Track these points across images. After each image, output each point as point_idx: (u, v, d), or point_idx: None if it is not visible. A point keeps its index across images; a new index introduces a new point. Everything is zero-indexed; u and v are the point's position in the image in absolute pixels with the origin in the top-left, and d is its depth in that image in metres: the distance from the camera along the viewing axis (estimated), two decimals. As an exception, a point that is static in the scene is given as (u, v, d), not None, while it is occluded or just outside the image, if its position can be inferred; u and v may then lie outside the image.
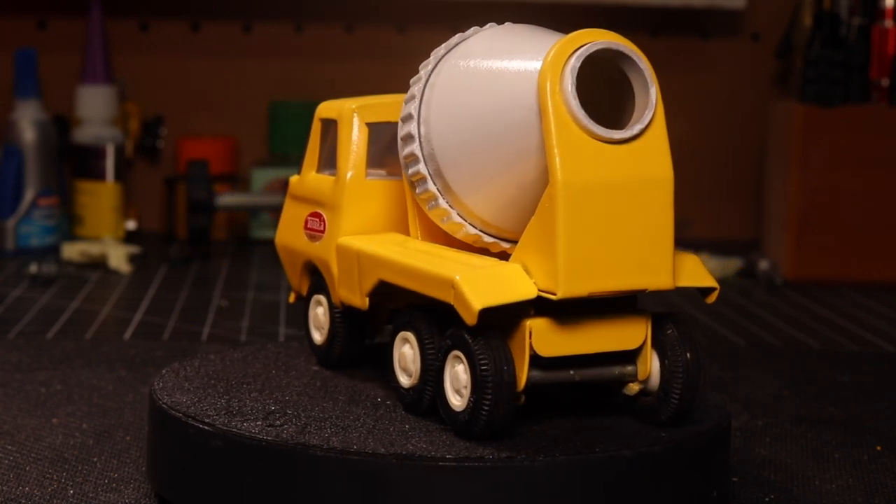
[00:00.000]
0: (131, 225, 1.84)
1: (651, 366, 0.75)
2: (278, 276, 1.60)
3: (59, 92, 1.85)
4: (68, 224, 1.79)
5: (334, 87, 1.92)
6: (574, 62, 0.71)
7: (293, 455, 0.72)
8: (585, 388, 0.78)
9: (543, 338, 0.72)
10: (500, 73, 0.73)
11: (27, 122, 1.72)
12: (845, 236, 1.67)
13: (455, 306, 0.71)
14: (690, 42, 1.97)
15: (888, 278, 1.66)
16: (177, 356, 1.15)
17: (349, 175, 0.83)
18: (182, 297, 1.45)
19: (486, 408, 0.71)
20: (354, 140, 0.84)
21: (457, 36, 0.78)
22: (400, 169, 0.80)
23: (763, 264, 1.64)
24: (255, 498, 0.73)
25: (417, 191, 0.77)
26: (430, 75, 0.77)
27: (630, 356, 0.75)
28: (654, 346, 0.75)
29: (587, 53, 0.71)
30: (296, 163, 1.85)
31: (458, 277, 0.71)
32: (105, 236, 1.76)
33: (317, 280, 0.87)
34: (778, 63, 1.95)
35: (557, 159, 0.70)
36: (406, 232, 0.82)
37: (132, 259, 1.63)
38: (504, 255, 0.75)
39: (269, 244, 1.82)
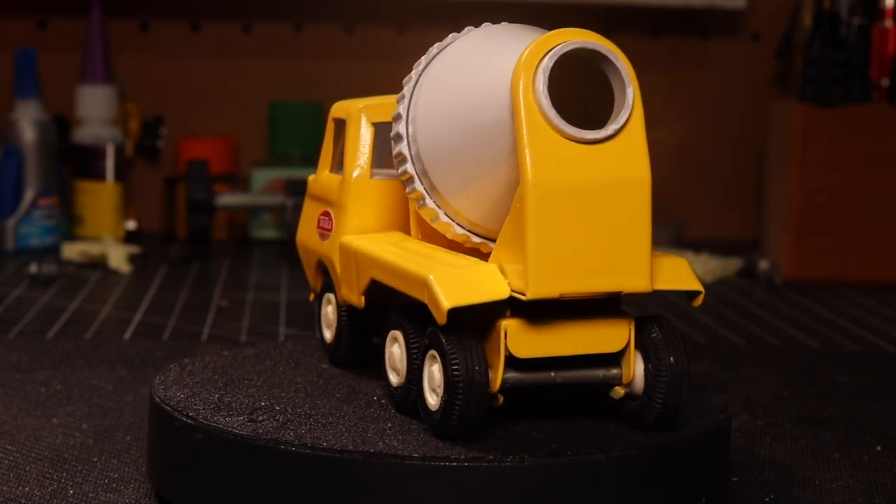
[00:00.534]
0: (131, 225, 1.84)
1: (635, 369, 0.74)
2: (278, 276, 1.60)
3: (59, 92, 1.85)
4: (68, 224, 1.79)
5: (334, 87, 1.92)
6: (547, 62, 0.70)
7: (264, 451, 0.72)
8: (583, 391, 0.78)
9: (519, 339, 0.72)
10: (480, 73, 0.73)
11: (27, 122, 1.72)
12: (845, 236, 1.67)
13: (428, 305, 0.71)
14: (690, 42, 1.97)
15: (888, 278, 1.66)
16: (177, 356, 1.15)
17: (354, 174, 0.84)
18: (182, 297, 1.45)
19: (457, 408, 0.71)
20: (361, 140, 0.84)
21: (450, 36, 0.78)
22: None
23: (763, 264, 1.64)
24: (247, 495, 0.73)
25: (407, 190, 0.77)
26: (419, 76, 0.77)
27: (615, 359, 0.75)
28: (638, 349, 0.74)
29: (560, 53, 0.70)
30: (296, 163, 1.86)
31: (431, 277, 0.71)
32: (105, 236, 1.76)
33: (328, 278, 0.88)
34: (778, 63, 1.95)
35: (527, 159, 0.70)
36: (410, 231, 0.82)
37: (132, 259, 1.63)
38: None
39: (269, 244, 1.82)
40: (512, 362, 0.73)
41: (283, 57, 1.93)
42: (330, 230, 0.86)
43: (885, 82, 1.68)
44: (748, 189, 1.97)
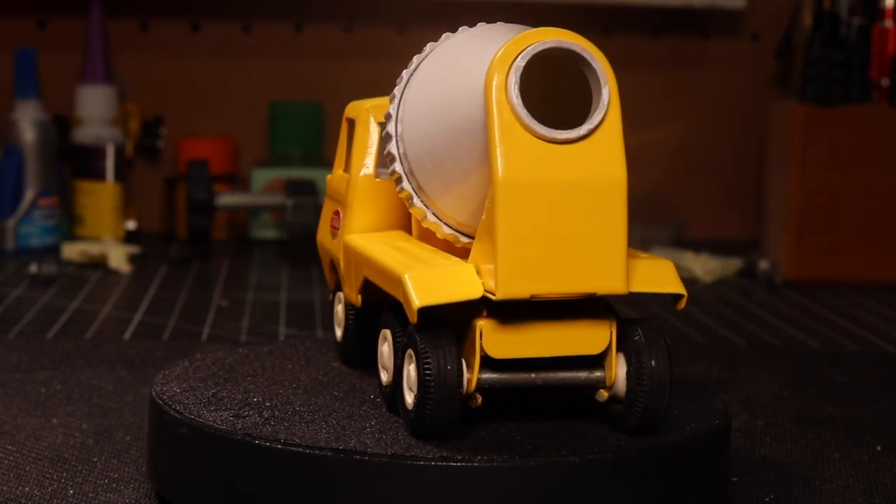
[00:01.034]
0: (131, 225, 1.84)
1: (617, 372, 0.74)
2: (278, 276, 1.60)
3: (59, 92, 1.85)
4: (68, 224, 1.79)
5: (334, 87, 1.92)
6: (519, 61, 0.70)
7: (240, 445, 0.73)
8: (579, 393, 0.78)
9: (494, 339, 0.72)
10: (461, 74, 0.72)
11: (27, 122, 1.72)
12: (845, 236, 1.67)
13: (403, 304, 0.71)
14: (690, 42, 1.97)
15: (888, 278, 1.66)
16: (177, 356, 1.15)
17: (359, 174, 0.84)
18: (182, 297, 1.45)
19: (429, 407, 0.71)
20: (368, 140, 0.85)
21: (444, 35, 0.78)
22: None
23: (763, 264, 1.64)
24: (232, 491, 0.74)
25: (397, 189, 0.77)
26: (410, 75, 0.77)
27: (599, 361, 0.74)
28: (622, 352, 0.74)
29: (533, 52, 0.70)
30: (296, 163, 1.86)
31: (405, 276, 0.71)
32: (105, 236, 1.75)
33: (339, 277, 0.88)
34: (778, 63, 1.95)
35: (497, 157, 0.69)
36: None
37: (132, 259, 1.63)
38: None
39: (269, 244, 1.82)
40: (490, 363, 0.73)
41: (283, 57, 1.93)
42: (338, 229, 0.86)
43: (885, 82, 1.68)
44: (748, 189, 1.97)
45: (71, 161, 1.81)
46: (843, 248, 1.67)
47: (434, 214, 0.76)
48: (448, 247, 0.77)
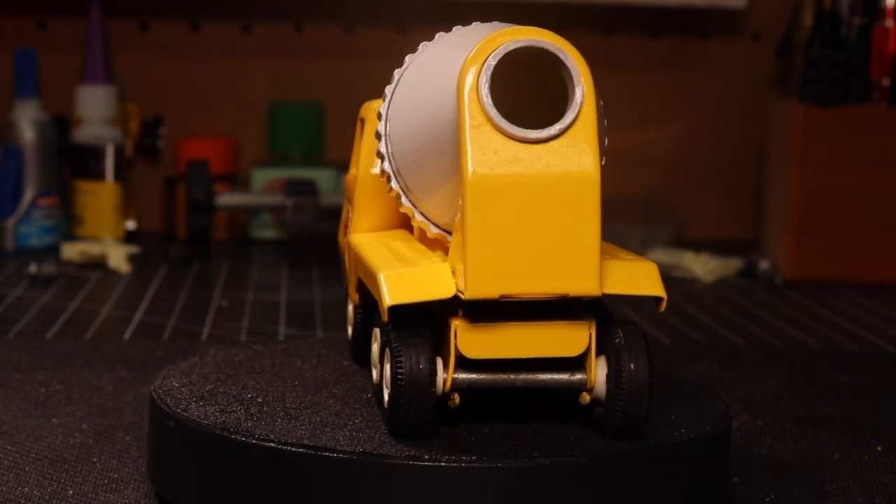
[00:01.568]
0: (131, 225, 1.84)
1: (598, 375, 0.73)
2: (278, 276, 1.60)
3: (59, 92, 1.85)
4: (68, 224, 1.78)
5: (334, 87, 1.92)
6: (491, 60, 0.69)
7: (217, 440, 0.74)
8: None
9: (468, 339, 0.71)
10: (441, 73, 0.72)
11: (27, 122, 1.72)
12: (845, 236, 1.67)
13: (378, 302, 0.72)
14: (690, 42, 1.97)
15: (888, 278, 1.66)
16: (177, 356, 1.15)
17: (366, 173, 0.85)
18: (182, 297, 1.45)
19: (401, 405, 0.71)
20: (374, 139, 0.85)
21: (437, 35, 0.78)
22: None
23: (763, 264, 1.64)
24: (220, 488, 0.75)
25: (388, 188, 0.77)
26: (401, 75, 0.77)
27: (581, 364, 0.73)
28: (603, 354, 0.73)
29: (506, 51, 0.70)
30: (296, 163, 1.86)
31: (380, 274, 0.72)
32: (105, 236, 1.75)
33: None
34: (778, 63, 1.95)
35: (467, 156, 0.69)
36: None
37: (132, 259, 1.63)
38: None
39: (269, 244, 1.82)
40: (468, 363, 0.72)
41: (283, 57, 1.93)
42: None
43: (885, 82, 1.68)
44: (748, 189, 1.97)
45: (71, 161, 1.80)
46: (843, 248, 1.67)
47: (422, 214, 0.76)
48: (442, 246, 0.77)
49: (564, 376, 0.73)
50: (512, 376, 0.73)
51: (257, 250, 1.78)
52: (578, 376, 0.73)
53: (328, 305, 1.43)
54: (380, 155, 0.77)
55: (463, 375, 0.73)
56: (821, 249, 1.66)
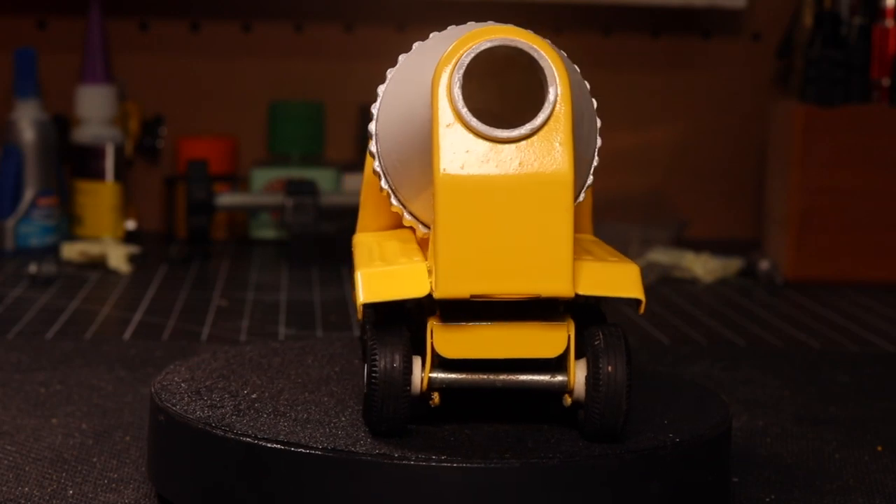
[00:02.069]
0: (131, 225, 1.84)
1: (578, 377, 0.73)
2: (278, 276, 1.60)
3: (59, 92, 1.85)
4: (68, 224, 1.78)
5: (334, 87, 1.92)
6: (464, 59, 0.69)
7: (198, 434, 0.75)
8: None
9: (444, 338, 0.71)
10: (422, 72, 0.72)
11: (27, 122, 1.72)
12: (845, 236, 1.67)
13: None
14: (690, 42, 1.97)
15: (888, 278, 1.66)
16: (176, 356, 1.15)
17: (371, 172, 0.85)
18: (182, 297, 1.45)
19: (375, 403, 0.72)
20: None
21: (431, 34, 0.78)
22: None
23: (763, 264, 1.64)
24: (203, 481, 0.75)
25: (379, 187, 0.77)
26: (392, 74, 0.77)
27: (562, 365, 0.73)
28: (584, 356, 0.73)
29: (479, 50, 0.69)
30: (296, 163, 1.86)
31: (357, 273, 0.72)
32: (105, 236, 1.75)
33: None
34: (778, 63, 1.95)
35: (438, 156, 0.69)
36: None
37: (132, 259, 1.63)
38: None
39: (269, 244, 1.82)
40: (448, 363, 0.73)
41: (283, 57, 1.93)
42: None
43: (885, 82, 1.68)
44: (748, 189, 1.97)
45: (70, 161, 1.80)
46: (843, 248, 1.67)
47: (410, 214, 0.76)
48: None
49: (545, 378, 0.73)
50: (491, 377, 0.73)
51: (257, 250, 1.78)
52: (559, 378, 0.73)
53: (328, 305, 1.42)
54: (371, 154, 0.77)
55: (442, 375, 0.73)
56: (821, 249, 1.66)
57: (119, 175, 1.80)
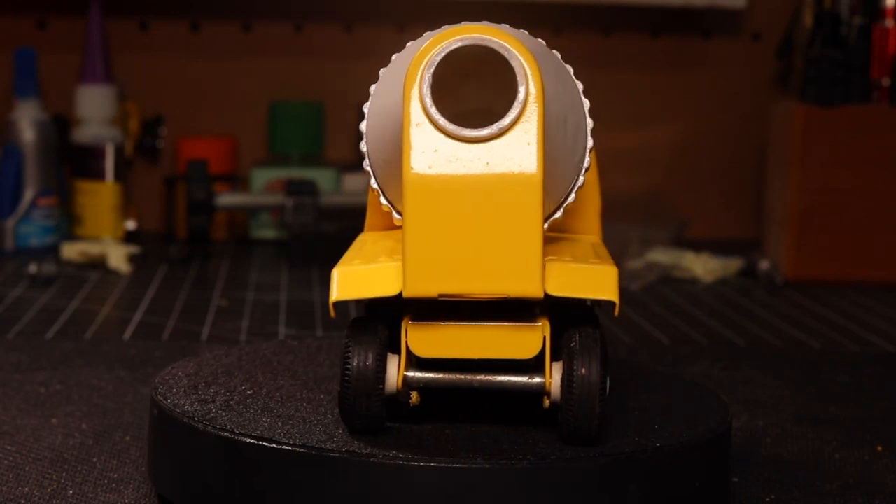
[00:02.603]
0: (131, 225, 1.84)
1: (554, 379, 0.72)
2: (278, 276, 1.60)
3: (59, 92, 1.85)
4: (68, 224, 1.78)
5: (334, 87, 1.92)
6: (433, 57, 0.69)
7: (183, 428, 0.75)
8: None
9: (419, 337, 0.72)
10: (400, 72, 0.72)
11: (27, 122, 1.72)
12: (845, 236, 1.67)
13: None
14: (690, 42, 1.97)
15: (888, 278, 1.66)
16: (176, 356, 1.15)
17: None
18: (182, 297, 1.45)
19: (347, 401, 0.72)
20: None
21: (425, 34, 0.78)
22: None
23: (763, 264, 1.64)
24: (187, 475, 0.76)
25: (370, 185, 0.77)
26: (383, 73, 0.77)
27: (540, 367, 0.73)
28: (560, 358, 0.72)
29: (448, 50, 0.69)
30: (296, 163, 1.86)
31: (334, 271, 0.72)
32: (105, 236, 1.75)
33: None
34: (778, 63, 1.95)
35: (406, 154, 0.69)
36: None
37: (132, 259, 1.63)
38: None
39: (269, 244, 1.82)
40: (425, 363, 0.73)
41: (283, 57, 1.93)
42: None
43: (885, 82, 1.68)
44: (748, 189, 1.97)
45: (70, 161, 1.80)
46: (843, 248, 1.67)
47: (398, 212, 0.76)
48: None
49: (523, 379, 0.73)
50: (469, 377, 0.73)
51: (257, 250, 1.78)
52: (537, 380, 0.73)
53: (328, 305, 1.42)
54: (362, 153, 0.77)
55: (419, 374, 0.73)
56: (821, 249, 1.66)
57: (119, 175, 1.80)
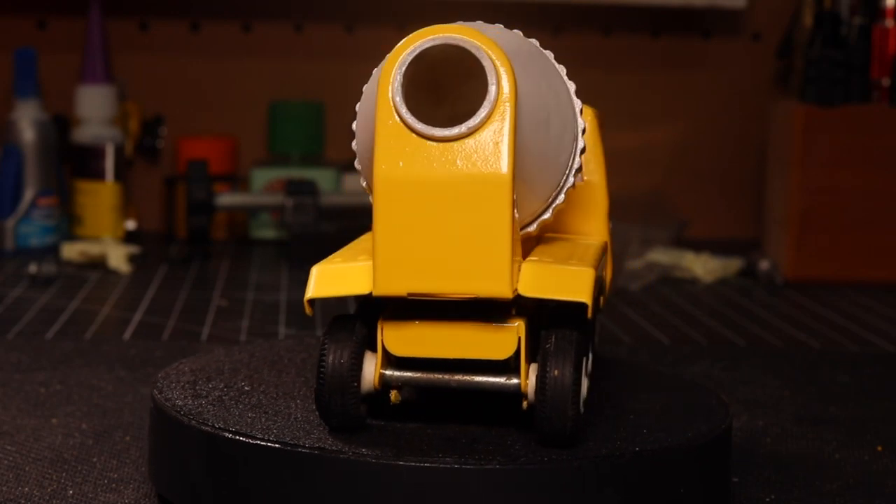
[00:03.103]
0: (131, 225, 1.84)
1: (530, 380, 0.72)
2: (278, 276, 1.60)
3: (59, 92, 1.85)
4: (68, 224, 1.78)
5: (334, 87, 1.92)
6: (405, 57, 0.69)
7: (172, 422, 0.76)
8: None
9: (394, 337, 0.72)
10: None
11: (27, 122, 1.72)
12: (845, 236, 1.67)
13: None
14: (690, 42, 1.97)
15: (888, 278, 1.66)
16: (176, 356, 1.15)
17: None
18: (182, 297, 1.45)
19: (322, 398, 0.72)
20: None
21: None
22: None
23: (763, 264, 1.64)
24: (177, 469, 0.77)
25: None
26: (375, 73, 0.77)
27: (518, 368, 0.73)
28: (536, 359, 0.72)
29: (420, 49, 0.69)
30: (296, 163, 1.86)
31: (312, 269, 0.73)
32: (105, 236, 1.75)
33: None
34: (778, 63, 1.95)
35: (377, 154, 0.69)
36: None
37: (132, 259, 1.63)
38: None
39: (269, 244, 1.82)
40: (402, 362, 0.73)
41: (283, 57, 1.93)
42: None
43: (885, 82, 1.68)
44: (748, 189, 1.97)
45: (70, 161, 1.80)
46: (843, 248, 1.67)
47: None
48: None
49: (500, 380, 0.73)
50: (446, 377, 0.73)
51: (257, 250, 1.78)
52: (514, 381, 0.72)
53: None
54: (355, 152, 0.77)
55: (396, 373, 0.73)
56: (821, 249, 1.66)
57: (119, 175, 1.80)
